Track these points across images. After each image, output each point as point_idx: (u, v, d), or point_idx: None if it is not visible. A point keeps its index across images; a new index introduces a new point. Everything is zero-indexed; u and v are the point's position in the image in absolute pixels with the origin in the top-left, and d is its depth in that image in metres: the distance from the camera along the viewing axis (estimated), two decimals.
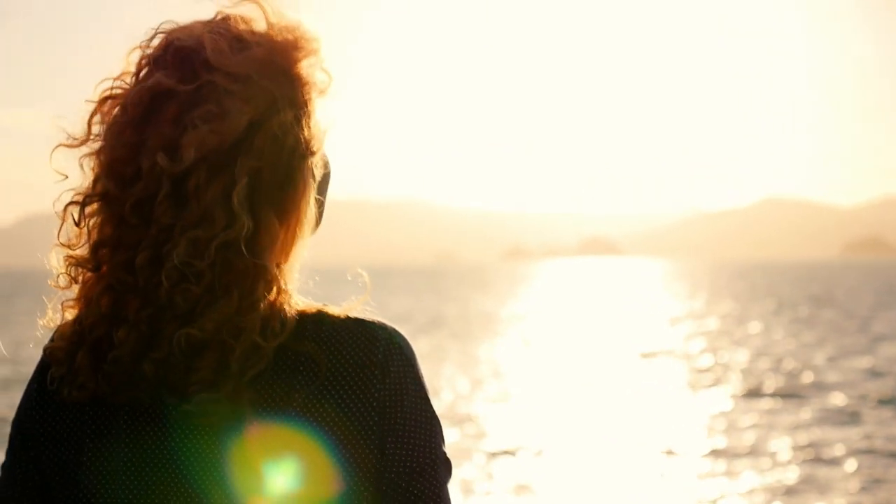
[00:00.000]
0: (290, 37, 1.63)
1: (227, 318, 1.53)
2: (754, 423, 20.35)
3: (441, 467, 1.64)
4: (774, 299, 73.78)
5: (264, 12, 1.64)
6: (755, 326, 47.15)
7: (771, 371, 28.98)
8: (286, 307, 1.60)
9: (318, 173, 1.66)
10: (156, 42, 1.63)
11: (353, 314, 1.66)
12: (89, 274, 1.59)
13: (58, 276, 1.62)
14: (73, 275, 1.60)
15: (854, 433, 18.91)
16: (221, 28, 1.62)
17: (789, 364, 30.55)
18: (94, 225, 1.59)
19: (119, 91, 1.61)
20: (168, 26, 1.64)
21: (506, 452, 17.33)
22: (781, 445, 17.79)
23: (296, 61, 1.62)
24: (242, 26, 1.63)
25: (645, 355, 34.52)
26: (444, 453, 1.65)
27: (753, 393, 24.59)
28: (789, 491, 14.59)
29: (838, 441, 18.08)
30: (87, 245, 1.60)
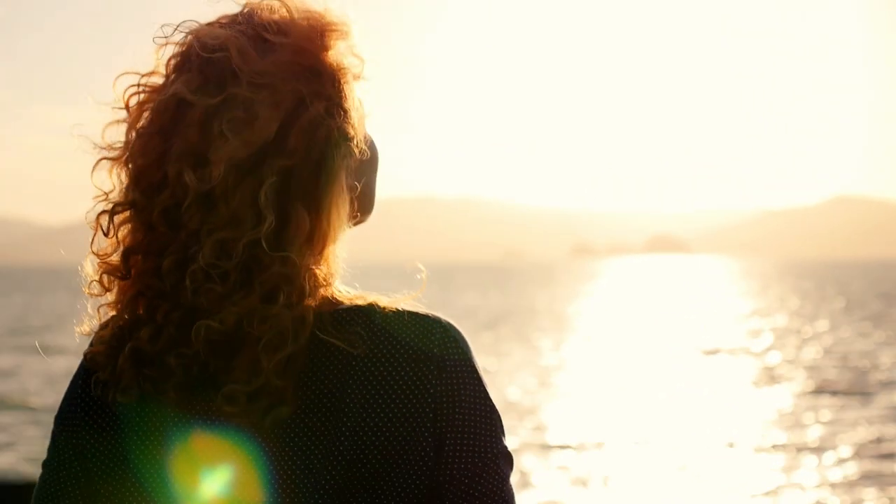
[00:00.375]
0: (316, 26, 1.61)
1: (251, 311, 1.52)
2: (819, 419, 20.27)
3: (503, 462, 1.61)
4: (843, 298, 73.05)
5: (287, 4, 1.64)
6: (823, 324, 46.78)
7: (838, 368, 28.79)
8: (326, 299, 1.60)
9: (354, 159, 1.64)
10: (178, 39, 1.63)
11: (405, 307, 1.63)
12: (122, 281, 1.60)
13: (90, 283, 1.63)
14: (104, 283, 1.61)
15: None
16: (246, 27, 1.61)
17: (856, 362, 30.33)
18: (124, 233, 1.60)
19: (145, 95, 1.61)
20: (191, 25, 1.64)
21: (567, 446, 17.43)
22: (846, 441, 17.73)
23: (324, 50, 1.61)
24: (267, 20, 1.61)
25: (711, 352, 34.38)
26: (506, 447, 1.63)
27: (819, 390, 24.45)
28: (853, 486, 14.56)
29: None
30: (118, 253, 1.60)
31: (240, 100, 1.54)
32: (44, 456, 1.71)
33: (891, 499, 13.83)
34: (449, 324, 1.64)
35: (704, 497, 14.08)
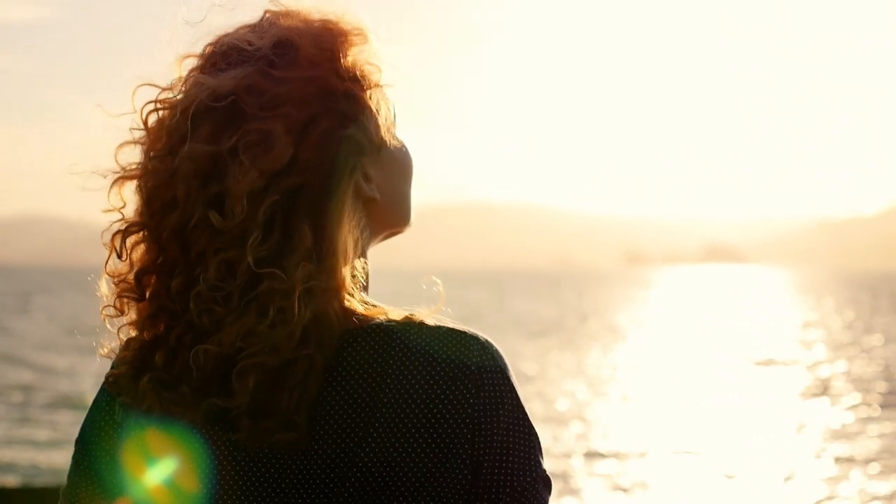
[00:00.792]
0: (330, 38, 1.59)
1: (249, 332, 1.49)
2: (869, 432, 20.23)
3: (541, 486, 1.55)
4: None
5: (300, 15, 1.61)
6: (878, 338, 46.45)
7: (890, 382, 28.63)
8: (344, 315, 1.54)
9: (380, 168, 1.62)
10: (197, 50, 1.62)
11: (443, 322, 1.58)
12: (137, 303, 1.58)
13: (104, 306, 1.61)
14: (118, 305, 1.59)
15: None
16: (256, 52, 1.57)
17: None
18: (138, 253, 1.58)
19: (163, 111, 1.58)
20: (208, 39, 1.62)
21: (616, 454, 17.52)
22: None
23: (337, 64, 1.57)
24: (281, 38, 1.58)
25: (763, 363, 34.29)
26: (544, 470, 1.56)
27: (871, 403, 24.38)
28: None
29: None
30: (132, 273, 1.58)
31: (254, 132, 1.51)
32: None
33: None
34: (487, 340, 1.57)
35: None
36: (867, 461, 17.27)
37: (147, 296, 1.56)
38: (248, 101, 1.53)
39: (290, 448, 1.52)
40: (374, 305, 1.58)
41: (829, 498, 14.79)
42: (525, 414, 1.56)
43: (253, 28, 1.60)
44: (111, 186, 1.59)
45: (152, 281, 1.56)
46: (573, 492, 14.51)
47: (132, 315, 1.58)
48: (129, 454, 1.59)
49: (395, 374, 1.52)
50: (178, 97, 1.57)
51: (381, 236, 1.68)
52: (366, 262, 1.62)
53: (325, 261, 1.52)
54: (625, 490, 14.93)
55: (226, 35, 1.61)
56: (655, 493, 14.88)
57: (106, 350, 1.62)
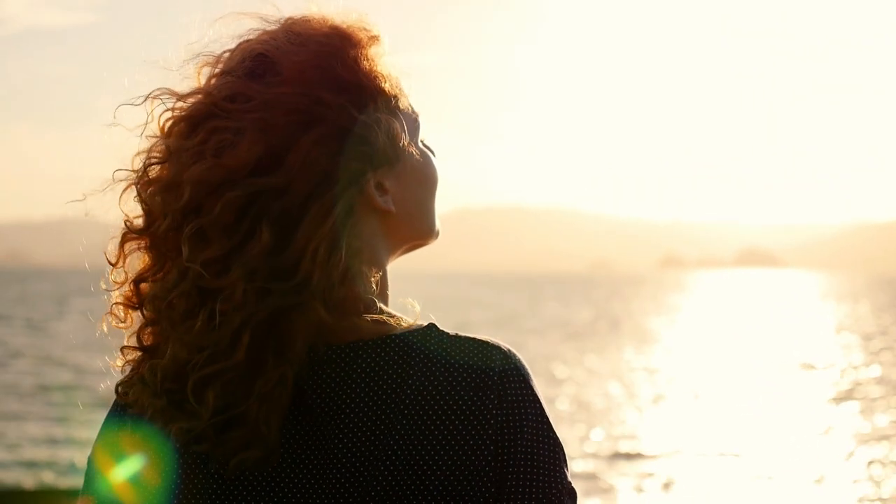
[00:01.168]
0: (341, 44, 1.54)
1: (193, 340, 1.45)
2: None
3: (567, 499, 1.48)
4: None
5: (308, 23, 1.58)
6: None
7: None
8: (330, 325, 1.47)
9: (397, 179, 1.56)
10: (212, 55, 1.59)
11: (451, 331, 1.53)
12: (134, 310, 1.56)
13: (103, 316, 1.59)
14: (117, 313, 1.57)
15: None
16: (271, 52, 1.54)
17: None
18: (135, 262, 1.56)
19: (170, 119, 1.55)
20: (222, 48, 1.59)
21: (652, 455, 17.60)
22: None
23: (345, 69, 1.53)
24: (292, 39, 1.55)
25: (798, 367, 34.25)
26: (569, 482, 1.50)
27: None
28: None
29: None
30: (129, 282, 1.56)
31: (228, 129, 1.48)
32: None
33: None
34: (510, 350, 1.52)
35: None
36: None
37: (144, 305, 1.54)
38: (237, 106, 1.49)
39: (259, 467, 1.47)
40: (392, 316, 1.53)
41: (860, 500, 14.87)
42: (549, 424, 1.51)
43: (271, 35, 1.56)
44: (121, 194, 1.56)
45: (147, 288, 1.53)
46: (602, 491, 14.69)
47: (135, 322, 1.56)
48: (100, 454, 1.60)
49: (415, 385, 1.47)
50: (187, 104, 1.54)
51: (403, 249, 1.63)
52: (379, 273, 1.55)
53: (293, 265, 1.44)
54: (659, 490, 15.04)
55: (245, 41, 1.57)
56: (687, 493, 14.99)
57: (121, 362, 1.59)
